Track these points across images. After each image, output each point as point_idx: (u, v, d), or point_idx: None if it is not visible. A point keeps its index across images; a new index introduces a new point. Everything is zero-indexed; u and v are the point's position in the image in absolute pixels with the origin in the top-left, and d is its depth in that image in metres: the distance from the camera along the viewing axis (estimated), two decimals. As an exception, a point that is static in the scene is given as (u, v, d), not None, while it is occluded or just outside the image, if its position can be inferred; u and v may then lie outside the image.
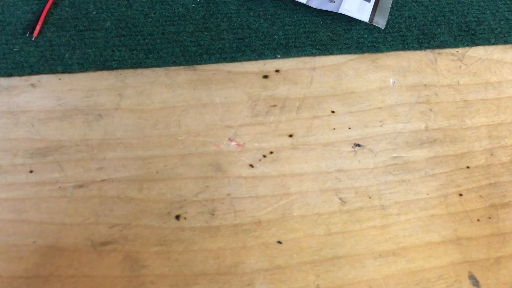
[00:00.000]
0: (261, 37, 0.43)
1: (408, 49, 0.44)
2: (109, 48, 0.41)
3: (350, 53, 0.43)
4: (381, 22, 0.44)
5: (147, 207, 0.37)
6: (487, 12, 0.46)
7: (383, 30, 0.44)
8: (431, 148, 0.40)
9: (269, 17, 0.44)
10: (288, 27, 0.44)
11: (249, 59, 0.42)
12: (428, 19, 0.45)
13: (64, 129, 0.39)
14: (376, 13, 0.45)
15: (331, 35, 0.44)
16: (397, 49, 0.44)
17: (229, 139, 0.39)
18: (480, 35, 0.45)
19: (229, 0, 0.44)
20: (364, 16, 0.44)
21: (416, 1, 0.46)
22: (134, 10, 0.43)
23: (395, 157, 0.40)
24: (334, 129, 0.40)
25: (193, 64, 0.42)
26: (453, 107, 0.42)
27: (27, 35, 0.41)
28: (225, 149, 0.39)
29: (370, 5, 0.45)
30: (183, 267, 0.35)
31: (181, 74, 0.41)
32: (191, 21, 0.43)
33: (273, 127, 0.40)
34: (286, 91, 0.41)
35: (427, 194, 0.39)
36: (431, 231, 0.38)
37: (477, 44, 0.45)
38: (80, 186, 0.37)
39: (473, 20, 0.46)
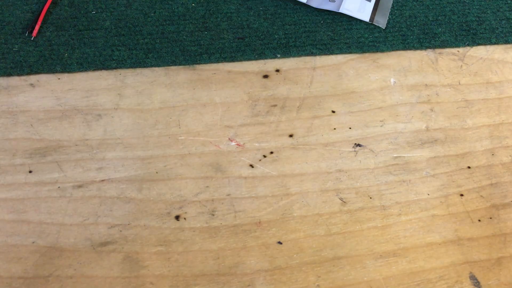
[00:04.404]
0: (261, 37, 0.43)
1: (409, 48, 0.44)
2: (109, 48, 0.41)
3: (350, 52, 0.43)
4: (381, 21, 0.44)
5: (147, 207, 0.37)
6: (488, 12, 0.46)
7: (383, 29, 0.44)
8: (432, 148, 0.40)
9: (269, 16, 0.44)
10: (288, 27, 0.44)
11: (249, 59, 0.42)
12: (429, 19, 0.45)
13: (63, 129, 0.38)
14: (377, 13, 0.44)
15: (332, 34, 0.44)
16: (398, 49, 0.44)
17: (229, 139, 0.39)
18: (481, 35, 0.45)
19: (229, -1, 0.44)
20: (365, 16, 0.44)
21: (417, 1, 0.46)
22: (134, 10, 0.43)
23: (395, 157, 0.40)
24: (334, 129, 0.40)
25: (193, 64, 0.41)
26: (454, 107, 0.42)
27: (26, 34, 0.41)
28: (225, 149, 0.39)
29: (371, 4, 0.45)
30: (183, 268, 0.35)
31: (180, 74, 0.41)
32: (191, 20, 0.43)
33: (273, 127, 0.40)
34: (286, 91, 0.41)
35: (428, 195, 0.39)
36: (432, 232, 0.38)
37: (478, 44, 0.45)
38: (80, 186, 0.37)
39: (474, 19, 0.46)
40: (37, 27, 0.41)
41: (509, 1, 0.47)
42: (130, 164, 0.38)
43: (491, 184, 0.40)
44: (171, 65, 0.41)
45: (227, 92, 0.41)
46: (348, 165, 0.39)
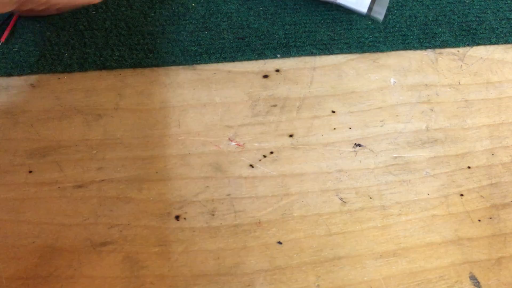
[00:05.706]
0: (261, 37, 0.43)
1: (409, 48, 0.44)
2: (109, 48, 0.41)
3: (350, 52, 0.43)
4: (380, 11, 0.43)
5: (147, 207, 0.37)
6: (488, 12, 0.46)
7: (383, 29, 0.44)
8: (432, 148, 0.40)
9: (269, 16, 0.44)
10: (289, 27, 0.44)
11: (249, 59, 0.42)
12: (429, 19, 0.45)
13: (63, 129, 0.38)
14: (376, 3, 0.43)
15: (332, 34, 0.44)
16: (398, 49, 0.44)
17: (229, 139, 0.39)
18: (481, 35, 0.45)
19: (229, -1, 0.44)
20: (363, 7, 0.43)
21: (417, 1, 0.46)
22: (134, 10, 0.43)
23: (395, 157, 0.40)
24: (334, 129, 0.40)
25: (193, 64, 0.41)
26: (454, 107, 0.42)
27: None
28: (225, 149, 0.39)
29: None
30: (183, 268, 0.35)
31: (180, 74, 0.41)
32: (191, 20, 0.43)
33: (273, 127, 0.40)
34: (286, 91, 0.41)
35: (428, 195, 0.39)
36: (432, 232, 0.38)
37: (478, 44, 0.45)
38: (80, 186, 0.37)
39: (474, 19, 0.46)
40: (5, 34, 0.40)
41: (509, 1, 0.47)
42: (130, 164, 0.38)
43: (491, 184, 0.40)
44: (171, 65, 0.41)
45: (227, 92, 0.41)
46: (348, 165, 0.39)
